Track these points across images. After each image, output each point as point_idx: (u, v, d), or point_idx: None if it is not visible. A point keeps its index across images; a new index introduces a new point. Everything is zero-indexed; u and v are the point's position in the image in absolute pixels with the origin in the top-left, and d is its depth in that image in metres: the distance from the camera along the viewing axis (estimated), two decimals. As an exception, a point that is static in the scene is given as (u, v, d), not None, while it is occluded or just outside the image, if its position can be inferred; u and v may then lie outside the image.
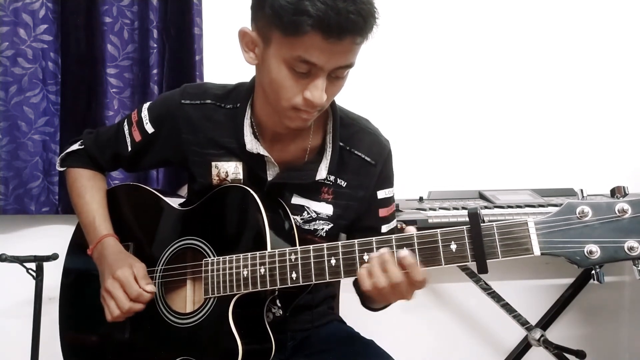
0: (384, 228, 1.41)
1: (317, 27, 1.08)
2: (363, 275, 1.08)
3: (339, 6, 1.06)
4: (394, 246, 1.07)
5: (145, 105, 1.46)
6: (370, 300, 1.35)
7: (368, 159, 1.37)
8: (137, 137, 1.44)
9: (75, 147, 1.52)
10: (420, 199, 2.17)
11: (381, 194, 1.40)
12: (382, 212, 1.41)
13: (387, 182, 1.42)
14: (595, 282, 0.96)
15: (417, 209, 2.03)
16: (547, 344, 2.19)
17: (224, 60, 2.11)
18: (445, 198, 2.21)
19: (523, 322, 2.24)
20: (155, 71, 2.04)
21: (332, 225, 1.36)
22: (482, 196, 2.22)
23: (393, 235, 1.09)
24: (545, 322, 2.39)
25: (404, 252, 1.05)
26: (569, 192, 2.27)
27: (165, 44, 2.07)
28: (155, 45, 2.04)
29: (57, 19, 2.01)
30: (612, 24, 2.52)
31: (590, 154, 2.50)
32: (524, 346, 2.35)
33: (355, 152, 1.37)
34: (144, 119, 1.43)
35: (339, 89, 1.23)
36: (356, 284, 1.40)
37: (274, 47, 1.15)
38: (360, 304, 1.41)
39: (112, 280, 1.30)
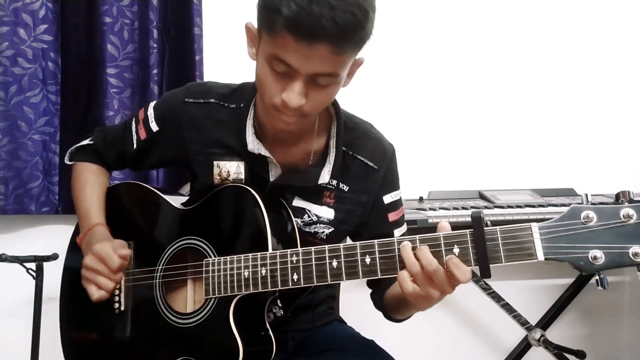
0: (397, 232, 1.40)
1: (286, 27, 1.06)
2: (404, 276, 1.05)
3: (312, 9, 1.03)
4: (397, 249, 1.07)
5: (152, 104, 1.47)
6: (401, 306, 1.31)
7: (371, 164, 1.36)
8: (143, 135, 1.44)
9: (85, 142, 1.54)
10: (420, 199, 2.18)
11: (387, 199, 1.38)
12: (392, 217, 1.39)
13: (392, 185, 1.40)
14: (600, 287, 0.95)
15: (417, 209, 2.03)
16: (547, 344, 2.19)
17: (224, 60, 2.11)
18: (445, 198, 2.22)
19: (523, 322, 2.24)
20: (155, 71, 2.04)
21: (333, 229, 1.35)
22: (482, 196, 2.22)
23: (395, 238, 1.09)
24: (545, 322, 2.39)
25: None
26: (569, 192, 2.28)
27: (165, 44, 2.07)
28: (155, 45, 2.04)
29: (57, 19, 2.01)
30: (612, 24, 2.52)
31: (590, 154, 2.50)
32: (524, 346, 2.35)
33: (359, 157, 1.36)
34: (149, 117, 1.43)
35: (324, 98, 1.19)
36: (375, 295, 1.41)
37: (261, 43, 1.16)
38: (383, 316, 1.40)
39: (91, 257, 1.30)
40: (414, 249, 1.05)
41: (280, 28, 1.06)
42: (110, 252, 1.29)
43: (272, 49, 1.11)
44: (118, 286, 1.36)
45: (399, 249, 1.07)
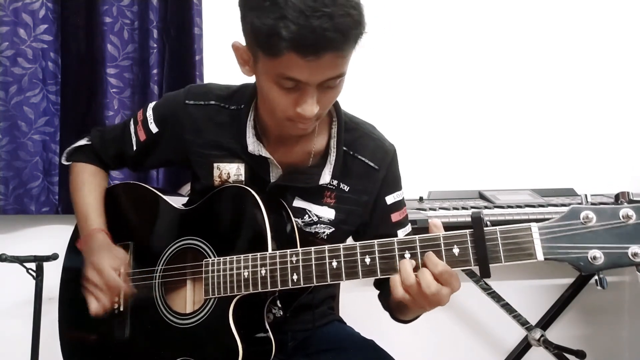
0: (400, 233, 1.40)
1: (291, 48, 1.05)
2: (395, 281, 1.06)
3: (313, 24, 1.03)
4: (397, 249, 1.07)
5: (151, 105, 1.46)
6: (403, 309, 1.31)
7: (372, 164, 1.36)
8: (142, 136, 1.44)
9: (82, 142, 1.53)
10: (420, 199, 2.17)
11: (390, 199, 1.38)
12: (395, 217, 1.39)
13: (394, 186, 1.40)
14: (599, 287, 0.96)
15: (417, 209, 2.03)
16: (547, 344, 2.19)
17: (224, 60, 2.08)
18: (445, 198, 2.22)
19: (523, 322, 2.24)
20: (155, 71, 2.05)
21: (333, 229, 1.35)
22: (482, 196, 2.22)
23: (395, 239, 1.09)
24: (545, 322, 2.38)
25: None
26: (569, 192, 2.28)
27: (165, 44, 2.07)
28: (155, 45, 2.05)
29: (57, 19, 2.02)
30: (612, 24, 2.52)
31: (590, 154, 2.50)
32: (524, 346, 2.35)
33: (359, 157, 1.36)
34: (148, 119, 1.43)
35: (334, 97, 1.21)
36: (381, 297, 1.41)
37: (260, 64, 1.15)
38: (389, 316, 1.40)
39: (91, 269, 1.32)
40: (415, 269, 1.05)
41: (284, 50, 1.06)
42: (107, 269, 1.30)
43: (277, 70, 1.11)
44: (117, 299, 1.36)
45: (399, 260, 1.06)
